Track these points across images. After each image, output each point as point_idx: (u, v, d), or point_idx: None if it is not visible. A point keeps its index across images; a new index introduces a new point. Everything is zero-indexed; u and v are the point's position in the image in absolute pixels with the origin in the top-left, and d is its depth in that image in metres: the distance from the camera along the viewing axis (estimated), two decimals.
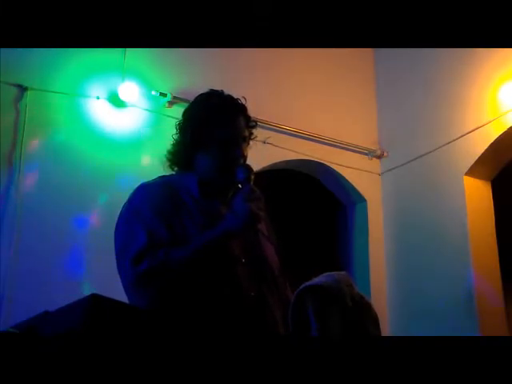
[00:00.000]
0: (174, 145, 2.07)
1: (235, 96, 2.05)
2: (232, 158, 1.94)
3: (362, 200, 4.96)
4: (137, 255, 1.79)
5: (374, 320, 1.71)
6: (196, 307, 1.77)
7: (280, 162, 4.67)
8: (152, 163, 4.13)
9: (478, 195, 4.37)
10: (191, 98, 4.75)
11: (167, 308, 1.77)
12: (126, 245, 1.85)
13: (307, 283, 1.66)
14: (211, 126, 1.96)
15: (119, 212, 1.97)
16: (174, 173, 2.07)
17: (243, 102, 2.03)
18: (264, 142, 4.35)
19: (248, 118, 2.03)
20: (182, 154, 2.02)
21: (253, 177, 1.91)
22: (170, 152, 2.07)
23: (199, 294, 1.79)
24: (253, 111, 4.75)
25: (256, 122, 2.07)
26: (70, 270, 3.67)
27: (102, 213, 3.86)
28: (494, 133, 4.21)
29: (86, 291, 1.25)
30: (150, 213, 1.86)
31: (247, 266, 1.90)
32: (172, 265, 1.77)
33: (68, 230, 3.76)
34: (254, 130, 2.05)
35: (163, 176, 2.05)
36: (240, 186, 1.90)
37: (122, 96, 4.10)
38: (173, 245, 1.81)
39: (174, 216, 1.87)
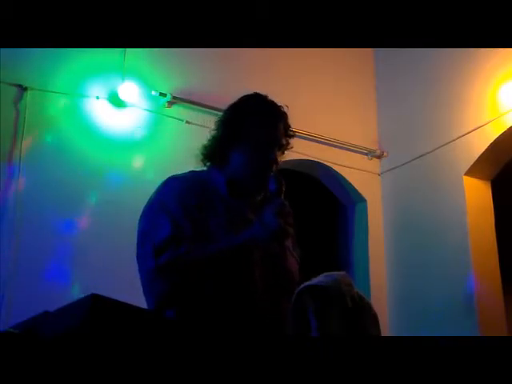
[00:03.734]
0: (210, 140, 2.05)
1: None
2: (265, 160, 1.95)
3: (362, 200, 4.96)
4: (159, 246, 1.79)
5: (374, 320, 1.71)
6: (209, 309, 1.78)
7: (280, 162, 4.67)
8: (152, 163, 4.13)
9: (477, 195, 4.36)
10: (191, 98, 4.74)
11: (181, 302, 1.79)
12: (149, 234, 1.85)
13: (307, 283, 1.66)
14: (251, 125, 1.97)
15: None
16: (205, 168, 2.06)
17: (285, 109, 2.04)
18: None
19: (287, 127, 2.04)
20: (218, 148, 2.02)
21: (284, 189, 1.92)
22: (205, 146, 2.06)
23: (215, 295, 1.80)
24: None
25: (294, 132, 2.06)
26: (69, 270, 3.67)
27: (102, 212, 3.86)
28: (493, 133, 4.21)
29: (84, 291, 1.25)
30: (176, 205, 1.87)
31: (267, 278, 1.90)
32: (193, 262, 1.78)
33: (67, 229, 3.77)
34: (290, 140, 2.05)
35: (193, 171, 2.05)
36: (271, 196, 1.91)
37: (122, 96, 4.10)
38: (195, 240, 1.81)
39: (199, 211, 1.87)
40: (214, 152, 2.02)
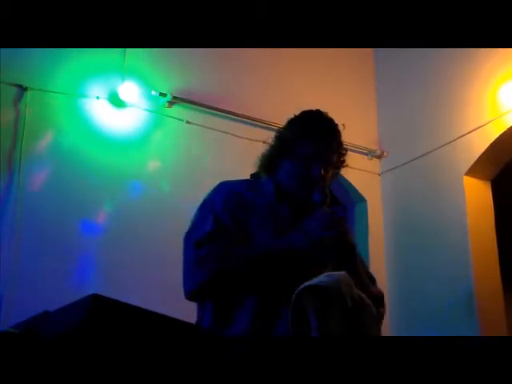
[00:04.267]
0: (266, 150, 2.16)
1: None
2: (310, 174, 2.01)
3: (362, 200, 4.96)
4: (200, 239, 1.93)
5: (374, 320, 1.71)
6: (236, 305, 1.88)
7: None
8: (152, 163, 4.13)
9: (477, 195, 4.36)
10: (191, 98, 4.74)
11: (214, 294, 1.91)
12: (194, 228, 1.99)
13: (307, 283, 1.66)
14: (301, 139, 2.05)
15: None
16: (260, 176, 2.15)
17: (341, 128, 2.14)
18: (264, 142, 4.34)
19: (340, 144, 2.12)
20: (270, 158, 2.12)
21: (328, 200, 1.99)
22: (261, 156, 2.16)
23: (244, 294, 1.89)
24: (252, 111, 4.75)
25: (347, 149, 2.15)
26: (69, 270, 3.67)
27: (101, 212, 3.86)
28: (493, 133, 4.21)
29: (85, 292, 1.25)
30: (221, 206, 1.99)
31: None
32: (230, 259, 1.89)
33: (67, 229, 3.77)
34: (344, 157, 2.13)
35: (247, 179, 2.16)
36: (315, 206, 1.97)
37: (122, 96, 4.10)
38: (238, 239, 1.92)
39: (243, 214, 1.98)
40: (266, 161, 2.13)
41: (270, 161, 2.11)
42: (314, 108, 2.18)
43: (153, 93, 4.20)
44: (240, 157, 4.33)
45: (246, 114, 4.46)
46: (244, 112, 4.46)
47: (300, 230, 1.92)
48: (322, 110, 2.17)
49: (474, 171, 4.34)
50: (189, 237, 1.98)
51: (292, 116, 2.17)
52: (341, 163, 2.13)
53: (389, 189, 4.94)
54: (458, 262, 4.22)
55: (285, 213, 2.02)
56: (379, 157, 5.03)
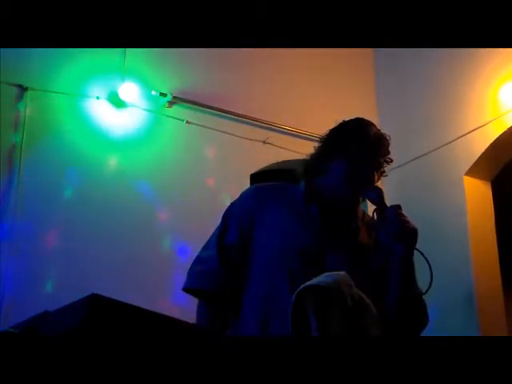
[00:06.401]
0: (313, 154, 2.16)
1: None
2: (363, 174, 2.04)
3: (362, 200, 4.95)
4: (209, 244, 2.03)
5: (374, 320, 1.71)
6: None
7: (280, 162, 4.67)
8: (152, 163, 4.13)
9: (478, 195, 4.36)
10: (191, 98, 4.74)
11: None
12: (216, 231, 2.05)
13: (307, 283, 1.66)
14: (359, 141, 2.08)
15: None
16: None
17: (388, 138, 2.16)
18: (264, 142, 4.35)
19: (388, 153, 2.13)
20: (318, 161, 2.12)
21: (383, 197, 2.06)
22: (307, 159, 2.16)
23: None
24: (253, 111, 4.75)
25: (392, 160, 2.16)
26: (71, 269, 3.68)
27: (102, 212, 3.86)
28: (494, 133, 4.21)
29: (87, 291, 1.25)
30: (240, 211, 2.04)
31: None
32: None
33: (68, 229, 3.76)
34: (386, 167, 2.14)
35: (278, 184, 2.16)
36: (375, 204, 2.06)
37: (122, 96, 4.11)
38: (254, 241, 1.97)
39: (258, 217, 2.01)
40: (315, 163, 2.13)
41: (318, 163, 2.10)
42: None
43: (153, 93, 4.21)
44: (240, 157, 4.33)
45: (246, 114, 4.46)
46: (244, 112, 4.46)
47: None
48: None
49: (473, 171, 4.34)
50: (211, 237, 2.05)
51: (340, 121, 2.18)
52: (381, 173, 2.14)
53: (389, 189, 4.93)
54: (458, 262, 4.21)
55: (314, 215, 2.02)
56: None
